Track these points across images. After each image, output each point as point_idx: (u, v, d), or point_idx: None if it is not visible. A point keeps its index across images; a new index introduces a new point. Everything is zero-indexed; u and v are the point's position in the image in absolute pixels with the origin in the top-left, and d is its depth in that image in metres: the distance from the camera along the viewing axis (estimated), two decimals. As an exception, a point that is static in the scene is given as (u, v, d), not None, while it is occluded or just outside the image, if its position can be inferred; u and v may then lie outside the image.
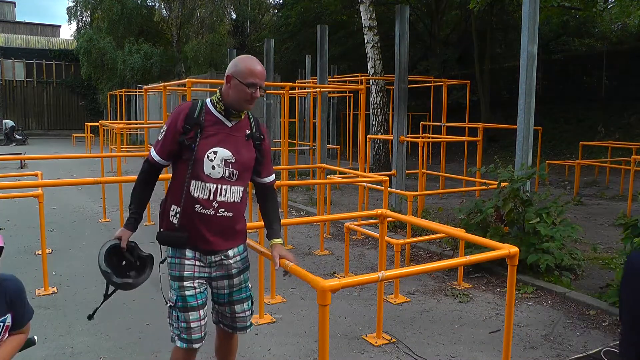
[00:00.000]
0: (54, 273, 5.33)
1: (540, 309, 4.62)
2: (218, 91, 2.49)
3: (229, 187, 2.44)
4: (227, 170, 2.43)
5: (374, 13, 13.85)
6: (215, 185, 2.41)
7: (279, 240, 2.63)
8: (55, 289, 4.91)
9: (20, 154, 16.17)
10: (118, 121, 19.36)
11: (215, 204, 2.41)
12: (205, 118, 2.45)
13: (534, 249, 5.16)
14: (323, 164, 8.25)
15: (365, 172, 9.16)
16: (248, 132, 2.53)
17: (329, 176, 7.49)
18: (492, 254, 2.98)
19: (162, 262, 2.57)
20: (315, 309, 2.06)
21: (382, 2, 19.12)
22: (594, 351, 2.23)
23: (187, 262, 2.46)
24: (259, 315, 4.27)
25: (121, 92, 21.81)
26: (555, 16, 18.68)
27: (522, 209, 5.39)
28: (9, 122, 24.94)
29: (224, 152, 2.43)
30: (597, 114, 17.47)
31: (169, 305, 2.51)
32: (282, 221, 2.73)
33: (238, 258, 2.57)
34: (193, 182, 2.40)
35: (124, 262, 2.55)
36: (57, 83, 33.39)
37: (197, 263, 2.47)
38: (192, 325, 2.47)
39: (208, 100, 2.51)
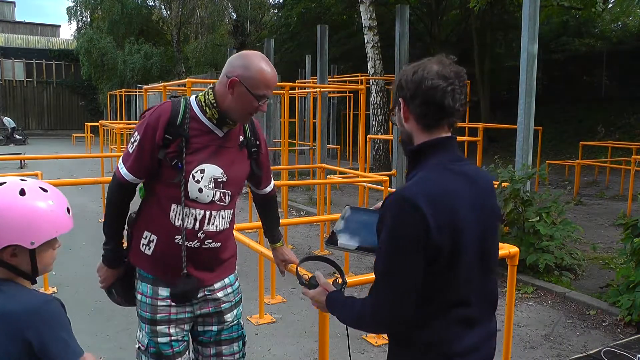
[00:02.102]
0: (54, 273, 5.32)
1: (540, 309, 4.62)
2: (210, 92, 1.92)
3: (219, 212, 1.94)
4: (217, 193, 1.92)
5: (374, 13, 13.85)
6: (202, 212, 1.91)
7: (279, 244, 2.33)
8: (55, 289, 4.92)
9: (20, 154, 16.17)
10: (118, 121, 19.37)
11: (200, 235, 1.92)
12: (191, 126, 1.89)
13: (534, 248, 5.16)
14: (323, 164, 8.26)
15: (365, 172, 9.16)
16: (242, 138, 2.02)
17: (329, 176, 7.49)
18: (492, 254, 2.98)
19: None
20: (315, 309, 2.06)
21: (382, 2, 19.11)
22: (594, 351, 2.22)
23: (160, 302, 1.96)
24: (259, 315, 4.28)
25: (121, 92, 21.82)
26: (555, 16, 18.68)
27: (522, 209, 5.39)
28: (11, 122, 24.91)
29: (213, 170, 1.91)
30: (597, 114, 17.47)
31: (137, 346, 2.05)
32: (282, 221, 2.69)
33: (229, 290, 2.10)
34: (174, 207, 1.89)
35: None
36: (57, 83, 33.41)
37: (174, 303, 1.98)
38: None
39: (193, 100, 1.95)
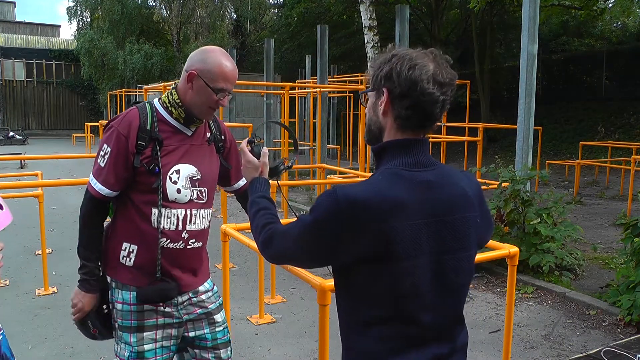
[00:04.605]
0: (54, 273, 5.32)
1: (540, 309, 4.62)
2: (174, 92, 1.92)
3: (198, 211, 1.95)
4: (194, 191, 1.93)
5: (374, 13, 13.84)
6: (183, 211, 1.90)
7: None
8: (55, 289, 4.91)
9: (20, 154, 16.17)
10: (118, 121, 19.35)
11: (185, 235, 1.92)
12: (160, 128, 1.88)
13: (535, 249, 5.16)
14: (323, 164, 8.26)
15: (365, 172, 9.16)
16: (209, 134, 2.03)
17: (329, 176, 7.49)
18: (492, 254, 2.98)
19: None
20: (315, 309, 2.06)
21: (382, 2, 19.12)
22: (594, 351, 2.22)
23: (147, 307, 1.91)
24: (259, 315, 4.28)
25: (121, 92, 21.83)
26: (555, 16, 18.70)
27: (523, 209, 5.39)
28: None
29: (187, 169, 1.91)
30: (597, 114, 17.48)
31: None
32: (282, 221, 2.68)
33: (210, 293, 2.09)
34: (154, 210, 1.87)
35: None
36: (57, 83, 33.42)
37: (161, 308, 1.93)
38: None
39: (156, 102, 1.94)
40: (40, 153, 17.65)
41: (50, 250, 5.99)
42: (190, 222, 1.92)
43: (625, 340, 2.37)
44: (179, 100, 1.89)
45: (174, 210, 1.89)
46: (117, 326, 1.97)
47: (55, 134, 32.07)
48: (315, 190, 9.98)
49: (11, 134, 25.33)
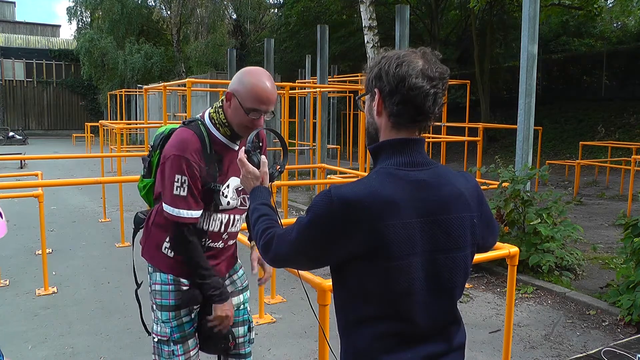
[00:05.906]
0: (54, 273, 5.32)
1: (540, 309, 4.62)
2: (220, 110, 2.00)
3: (240, 216, 2.14)
4: (239, 200, 2.11)
5: (374, 13, 13.84)
6: (227, 216, 2.08)
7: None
8: (55, 289, 4.91)
9: (20, 154, 16.17)
10: (118, 121, 19.37)
11: (225, 236, 2.12)
12: (215, 149, 2.00)
13: (535, 249, 5.16)
14: (323, 164, 8.26)
15: (365, 172, 9.16)
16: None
17: (329, 176, 7.49)
18: (492, 254, 2.98)
19: (139, 287, 2.25)
20: (315, 309, 2.07)
21: (382, 2, 19.12)
22: (594, 351, 2.22)
23: (183, 288, 2.10)
24: (259, 315, 4.28)
25: (121, 92, 21.82)
26: (555, 16, 18.70)
27: (523, 209, 5.39)
28: None
29: (235, 181, 2.06)
30: (597, 114, 17.48)
31: (156, 340, 2.11)
32: (282, 221, 2.69)
33: (235, 277, 2.30)
34: (203, 214, 2.06)
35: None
36: (57, 83, 33.42)
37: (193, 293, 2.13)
38: (192, 354, 2.12)
39: (207, 121, 2.03)
40: (40, 153, 17.65)
41: (50, 250, 5.99)
42: (231, 225, 2.12)
43: (625, 340, 2.37)
44: (225, 120, 1.99)
45: (219, 215, 2.06)
46: (154, 307, 2.13)
47: (55, 134, 32.07)
48: (315, 190, 9.98)
49: (11, 134, 25.34)
